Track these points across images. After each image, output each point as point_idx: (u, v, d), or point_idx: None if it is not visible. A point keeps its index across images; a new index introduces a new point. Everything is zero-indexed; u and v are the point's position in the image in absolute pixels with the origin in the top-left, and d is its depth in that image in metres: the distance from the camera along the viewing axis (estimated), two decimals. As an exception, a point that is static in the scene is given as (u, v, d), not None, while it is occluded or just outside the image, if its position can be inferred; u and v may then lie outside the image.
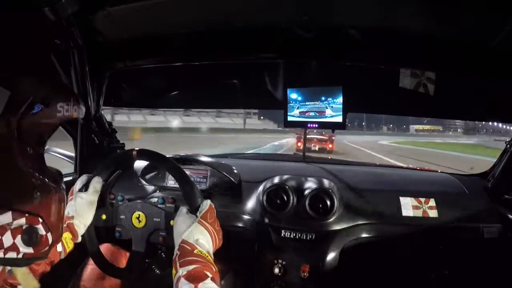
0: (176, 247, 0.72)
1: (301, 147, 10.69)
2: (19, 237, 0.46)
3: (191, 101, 1.94)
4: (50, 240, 0.50)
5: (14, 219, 0.45)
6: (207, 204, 0.80)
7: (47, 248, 0.50)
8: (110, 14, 0.94)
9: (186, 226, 0.75)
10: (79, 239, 0.85)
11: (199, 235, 0.73)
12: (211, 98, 1.81)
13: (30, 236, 0.47)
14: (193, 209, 0.80)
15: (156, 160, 0.90)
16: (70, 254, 0.84)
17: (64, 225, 0.78)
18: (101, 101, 1.27)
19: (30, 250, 0.47)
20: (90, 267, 1.04)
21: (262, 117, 46.57)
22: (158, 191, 1.30)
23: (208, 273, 0.64)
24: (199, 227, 0.74)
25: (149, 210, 0.91)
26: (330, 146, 13.27)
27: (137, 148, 0.89)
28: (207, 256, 0.70)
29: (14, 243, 0.46)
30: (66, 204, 0.63)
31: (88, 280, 1.02)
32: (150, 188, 1.34)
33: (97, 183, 0.89)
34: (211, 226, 0.76)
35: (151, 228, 0.91)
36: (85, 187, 0.89)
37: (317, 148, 12.74)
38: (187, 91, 1.71)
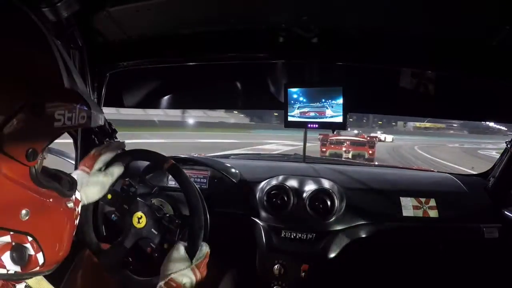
0: (161, 281, 0.73)
1: (326, 153, 9.35)
2: (7, 254, 0.42)
3: (191, 101, 1.93)
4: (41, 261, 0.46)
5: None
6: (205, 252, 0.81)
7: (37, 268, 0.46)
8: (110, 14, 0.95)
9: (178, 266, 0.76)
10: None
11: (187, 280, 0.74)
12: (211, 98, 1.81)
13: (19, 255, 0.43)
14: (191, 251, 0.80)
15: (181, 182, 0.89)
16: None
17: None
18: (101, 102, 1.27)
19: (18, 269, 0.43)
20: (85, 265, 1.04)
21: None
22: (158, 191, 1.30)
23: None
24: (190, 273, 0.76)
25: (152, 219, 0.91)
26: (370, 152, 9.83)
27: (172, 161, 0.88)
28: None
29: (0, 260, 0.42)
30: (77, 219, 0.59)
31: (82, 278, 1.02)
32: (150, 187, 1.34)
33: (117, 169, 0.88)
34: (200, 274, 0.78)
35: (145, 235, 0.91)
36: (104, 166, 0.88)
37: (350, 156, 9.48)
38: (187, 91, 1.71)
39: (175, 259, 0.77)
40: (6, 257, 0.42)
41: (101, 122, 0.55)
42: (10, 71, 0.40)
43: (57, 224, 0.49)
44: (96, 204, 0.94)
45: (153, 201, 1.04)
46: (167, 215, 0.95)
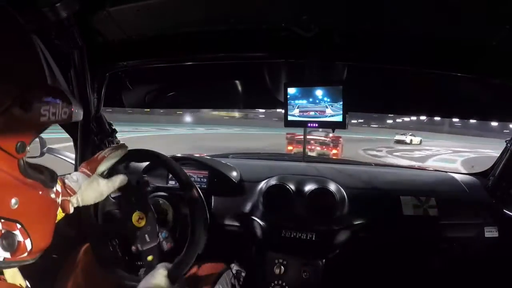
0: None
1: (293, 151, 9.36)
2: None
3: (191, 101, 1.93)
4: (29, 247, 0.49)
5: None
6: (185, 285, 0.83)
7: (25, 254, 0.49)
8: (110, 14, 0.94)
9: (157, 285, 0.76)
10: (71, 211, 0.81)
11: None
12: (211, 98, 1.81)
13: (7, 242, 0.46)
14: (173, 275, 0.81)
15: (194, 213, 0.88)
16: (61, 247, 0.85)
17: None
18: (101, 101, 1.27)
19: (7, 255, 0.46)
20: (79, 262, 1.05)
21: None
22: (158, 191, 1.30)
23: None
24: None
25: (150, 227, 0.92)
26: (335, 151, 9.94)
27: (198, 193, 0.89)
28: None
29: None
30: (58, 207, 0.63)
31: (77, 274, 1.03)
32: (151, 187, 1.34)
33: (120, 180, 0.86)
34: None
35: (137, 235, 0.92)
36: (108, 174, 0.86)
37: (314, 154, 9.47)
38: (187, 91, 1.70)
39: (154, 282, 0.77)
40: None
41: (80, 118, 0.58)
42: (1, 70, 0.43)
43: (42, 212, 0.53)
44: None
45: (160, 202, 1.04)
46: (165, 232, 0.95)
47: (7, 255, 0.46)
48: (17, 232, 0.47)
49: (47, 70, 0.50)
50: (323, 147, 9.88)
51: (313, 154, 9.37)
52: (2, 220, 0.45)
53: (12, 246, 0.47)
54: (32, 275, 0.58)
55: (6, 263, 0.48)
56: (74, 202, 0.79)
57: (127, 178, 0.88)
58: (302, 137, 9.80)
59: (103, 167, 0.85)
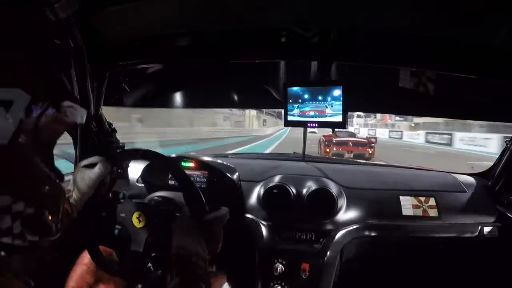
0: (174, 251, 0.71)
1: (329, 154, 9.89)
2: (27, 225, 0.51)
3: (191, 101, 1.93)
4: (56, 232, 0.55)
5: (26, 209, 0.50)
6: (224, 212, 0.82)
7: (50, 238, 0.55)
8: (110, 14, 0.94)
9: (186, 232, 0.74)
10: (75, 214, 0.86)
11: (197, 245, 0.73)
12: (211, 98, 1.81)
13: (37, 226, 0.52)
14: (196, 213, 0.79)
15: (162, 163, 0.90)
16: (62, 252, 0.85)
17: None
18: (101, 101, 1.27)
19: (35, 238, 0.52)
20: (81, 268, 1.04)
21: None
22: (158, 191, 1.30)
23: (202, 285, 0.65)
24: (199, 236, 0.74)
25: (150, 211, 0.91)
26: (370, 152, 10.43)
27: (144, 149, 0.89)
28: (203, 266, 0.70)
29: (22, 231, 0.50)
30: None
31: (78, 282, 1.02)
32: (150, 187, 1.34)
33: (104, 165, 0.90)
34: (212, 234, 0.77)
35: (151, 229, 0.91)
36: (91, 166, 0.90)
37: (352, 156, 9.94)
38: (187, 91, 1.71)
39: (182, 227, 0.77)
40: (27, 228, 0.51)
41: (83, 121, 0.65)
42: (43, 82, 0.53)
43: (61, 200, 0.60)
44: (97, 227, 0.93)
45: (160, 202, 1.04)
46: (162, 199, 0.95)
47: (35, 238, 0.52)
48: (46, 217, 0.54)
49: (65, 79, 0.61)
50: (361, 148, 10.39)
51: (351, 155, 9.99)
52: (37, 206, 0.52)
53: (41, 229, 0.53)
54: (37, 274, 0.59)
55: (22, 249, 0.52)
56: (74, 197, 0.85)
57: (109, 164, 0.91)
58: (340, 139, 10.62)
59: (85, 161, 0.90)
